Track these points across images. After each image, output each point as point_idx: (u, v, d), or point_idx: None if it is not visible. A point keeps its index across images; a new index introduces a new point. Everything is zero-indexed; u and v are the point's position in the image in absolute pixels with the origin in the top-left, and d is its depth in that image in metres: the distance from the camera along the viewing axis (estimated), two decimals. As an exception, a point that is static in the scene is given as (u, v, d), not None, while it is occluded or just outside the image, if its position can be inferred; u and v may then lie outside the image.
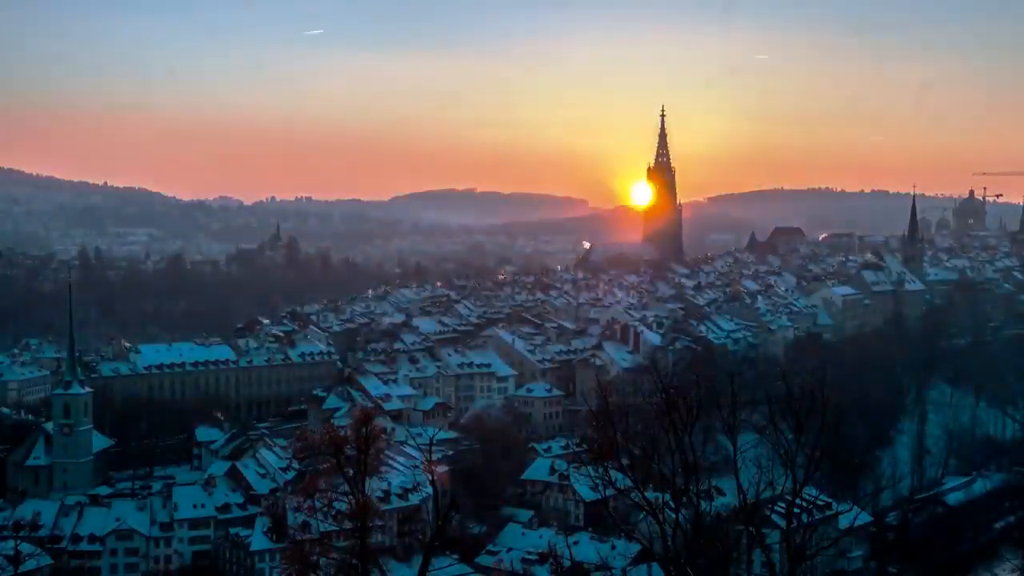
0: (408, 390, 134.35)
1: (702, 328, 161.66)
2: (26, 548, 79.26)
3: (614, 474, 32.16)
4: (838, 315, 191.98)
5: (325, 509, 37.29)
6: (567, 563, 61.65)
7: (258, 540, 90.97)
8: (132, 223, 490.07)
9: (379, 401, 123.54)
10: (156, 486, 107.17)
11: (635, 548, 69.54)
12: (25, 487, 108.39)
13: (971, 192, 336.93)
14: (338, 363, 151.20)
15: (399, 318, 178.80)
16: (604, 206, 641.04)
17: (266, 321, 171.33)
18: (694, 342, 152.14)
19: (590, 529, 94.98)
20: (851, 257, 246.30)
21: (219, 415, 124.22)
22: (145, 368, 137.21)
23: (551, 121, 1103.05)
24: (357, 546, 32.58)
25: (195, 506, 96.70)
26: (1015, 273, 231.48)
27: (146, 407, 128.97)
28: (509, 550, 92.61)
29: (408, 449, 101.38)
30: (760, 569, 36.58)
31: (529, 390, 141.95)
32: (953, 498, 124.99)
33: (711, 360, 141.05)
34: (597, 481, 32.63)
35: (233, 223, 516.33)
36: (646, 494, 31.71)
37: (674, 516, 30.87)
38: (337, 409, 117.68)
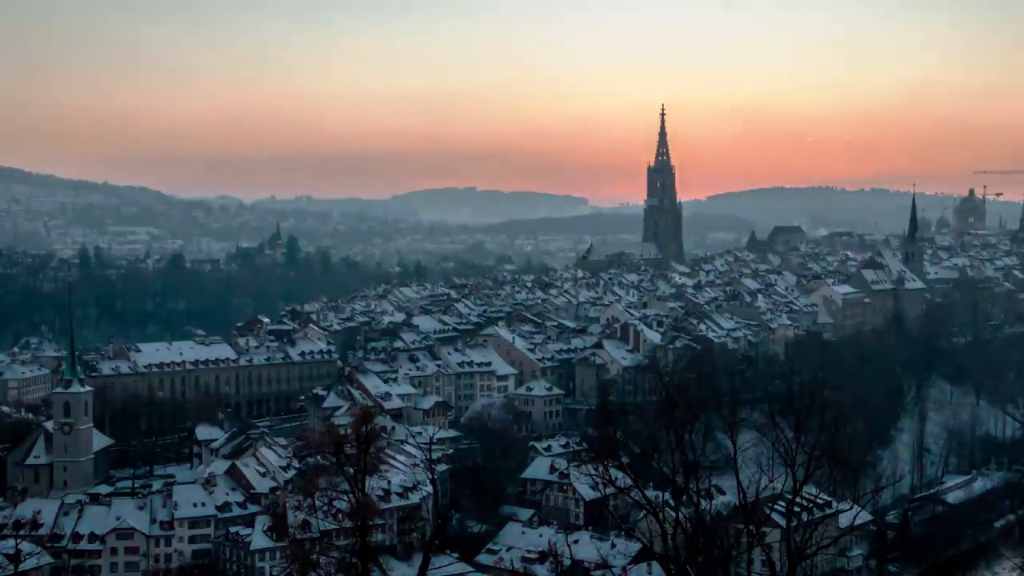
0: (408, 389, 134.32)
1: (702, 327, 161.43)
2: (26, 547, 79.19)
3: (614, 473, 32.20)
4: (838, 314, 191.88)
5: (325, 508, 37.36)
6: (567, 562, 61.67)
7: (258, 539, 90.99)
8: (132, 222, 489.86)
9: (379, 400, 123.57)
10: (156, 485, 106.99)
11: (635, 547, 69.68)
12: (25, 486, 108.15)
13: (971, 191, 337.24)
14: (338, 362, 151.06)
15: (399, 317, 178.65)
16: (604, 205, 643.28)
17: (266, 320, 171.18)
18: (694, 341, 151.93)
19: (590, 528, 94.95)
20: (851, 256, 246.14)
21: (219, 414, 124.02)
22: (145, 367, 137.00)
23: (552, 119, 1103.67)
24: (357, 545, 32.60)
25: (195, 505, 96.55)
26: (1015, 272, 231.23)
27: (146, 406, 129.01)
28: (509, 549, 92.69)
29: (408, 448, 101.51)
30: (760, 568, 36.59)
31: (529, 389, 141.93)
32: (953, 497, 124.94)
33: (711, 359, 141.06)
34: (597, 480, 32.68)
35: (233, 222, 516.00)
36: (646, 493, 31.74)
37: (674, 515, 30.88)
38: (337, 408, 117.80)
